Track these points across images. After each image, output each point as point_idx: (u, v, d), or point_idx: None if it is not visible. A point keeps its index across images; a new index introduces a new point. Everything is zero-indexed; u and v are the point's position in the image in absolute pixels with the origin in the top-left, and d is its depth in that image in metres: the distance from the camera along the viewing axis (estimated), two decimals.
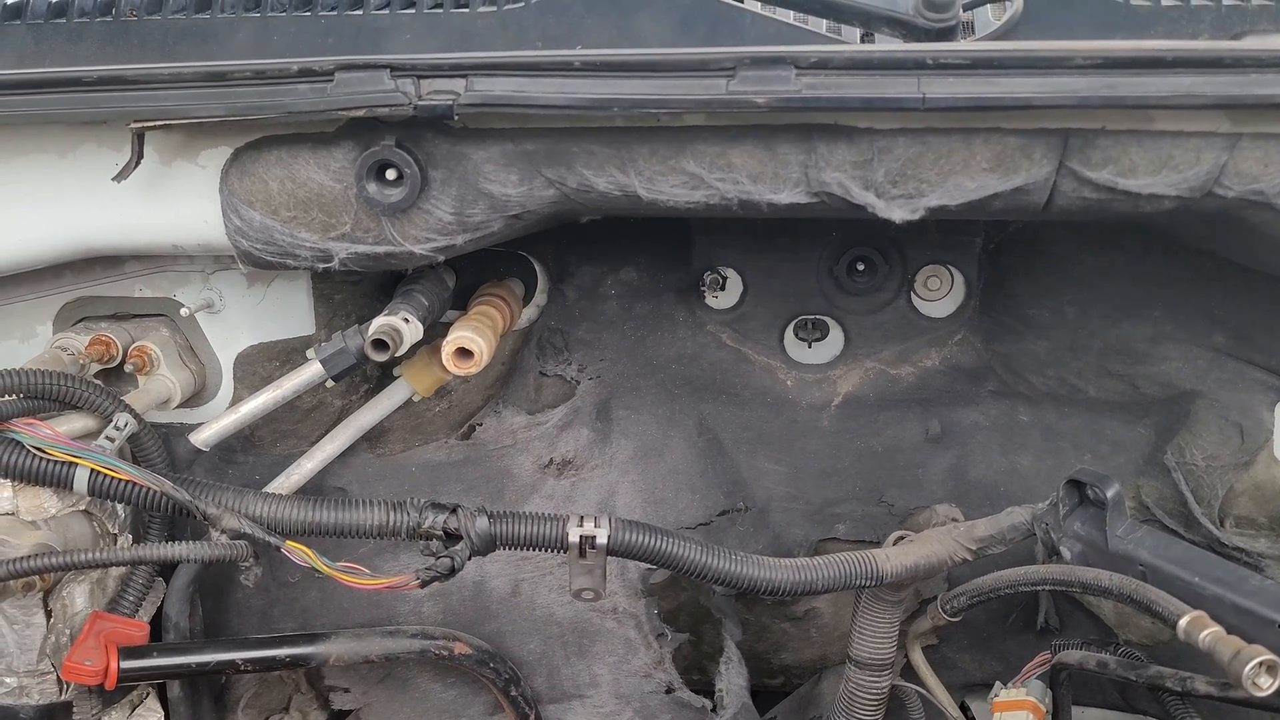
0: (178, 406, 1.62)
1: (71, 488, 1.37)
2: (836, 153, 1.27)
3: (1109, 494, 1.47)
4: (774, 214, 1.34)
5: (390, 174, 1.32)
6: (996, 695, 1.68)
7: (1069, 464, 1.71)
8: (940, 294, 1.80)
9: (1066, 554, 1.52)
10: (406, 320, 1.48)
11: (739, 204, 1.32)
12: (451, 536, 1.44)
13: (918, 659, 1.80)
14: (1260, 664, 1.20)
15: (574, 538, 1.43)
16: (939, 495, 1.81)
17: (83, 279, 1.61)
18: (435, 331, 1.60)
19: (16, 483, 1.40)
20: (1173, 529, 1.66)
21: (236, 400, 1.63)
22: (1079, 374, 1.74)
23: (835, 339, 1.84)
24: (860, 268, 1.79)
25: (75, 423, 1.44)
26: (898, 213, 1.29)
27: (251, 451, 1.70)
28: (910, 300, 1.81)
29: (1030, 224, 1.71)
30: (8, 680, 1.48)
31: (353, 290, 1.65)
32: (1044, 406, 1.78)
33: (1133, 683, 1.55)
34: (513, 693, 1.72)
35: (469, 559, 1.43)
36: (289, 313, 1.63)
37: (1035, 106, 1.19)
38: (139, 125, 1.28)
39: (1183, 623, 1.29)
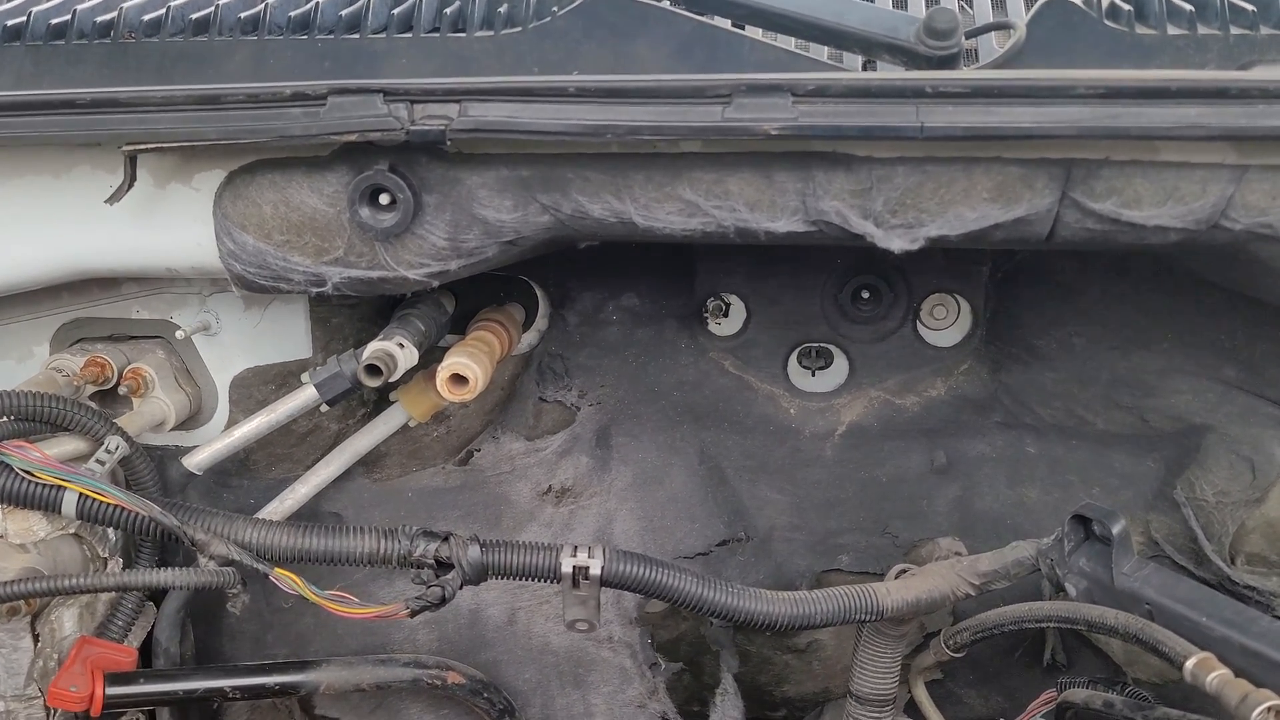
0: (173, 429, 1.61)
1: (60, 511, 1.36)
2: (835, 181, 1.25)
3: (1115, 530, 1.44)
4: (771, 242, 1.32)
5: (384, 199, 1.31)
6: None
7: (1076, 497, 1.68)
8: (946, 323, 1.77)
9: (1072, 590, 1.49)
10: (401, 345, 1.46)
11: (736, 232, 1.30)
12: (443, 565, 1.41)
13: (920, 694, 1.76)
14: (1269, 709, 1.17)
15: (567, 568, 1.41)
16: (944, 527, 1.78)
17: (80, 300, 1.60)
18: (433, 356, 1.58)
19: (5, 505, 1.39)
20: (1182, 565, 1.63)
21: (232, 424, 1.62)
22: (1087, 406, 1.71)
23: (839, 367, 1.81)
24: (865, 295, 1.76)
25: (67, 445, 1.43)
26: (897, 243, 1.27)
27: (246, 475, 1.69)
28: (916, 329, 1.78)
29: (1038, 253, 1.68)
30: None
31: (350, 314, 1.64)
32: (1051, 438, 1.75)
33: None
34: None
35: (460, 588, 1.41)
36: (286, 336, 1.62)
37: (1037, 136, 1.17)
38: (131, 148, 1.27)
39: (1189, 664, 1.26)
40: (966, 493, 1.78)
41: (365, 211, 1.31)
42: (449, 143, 1.23)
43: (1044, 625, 1.57)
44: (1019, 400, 1.76)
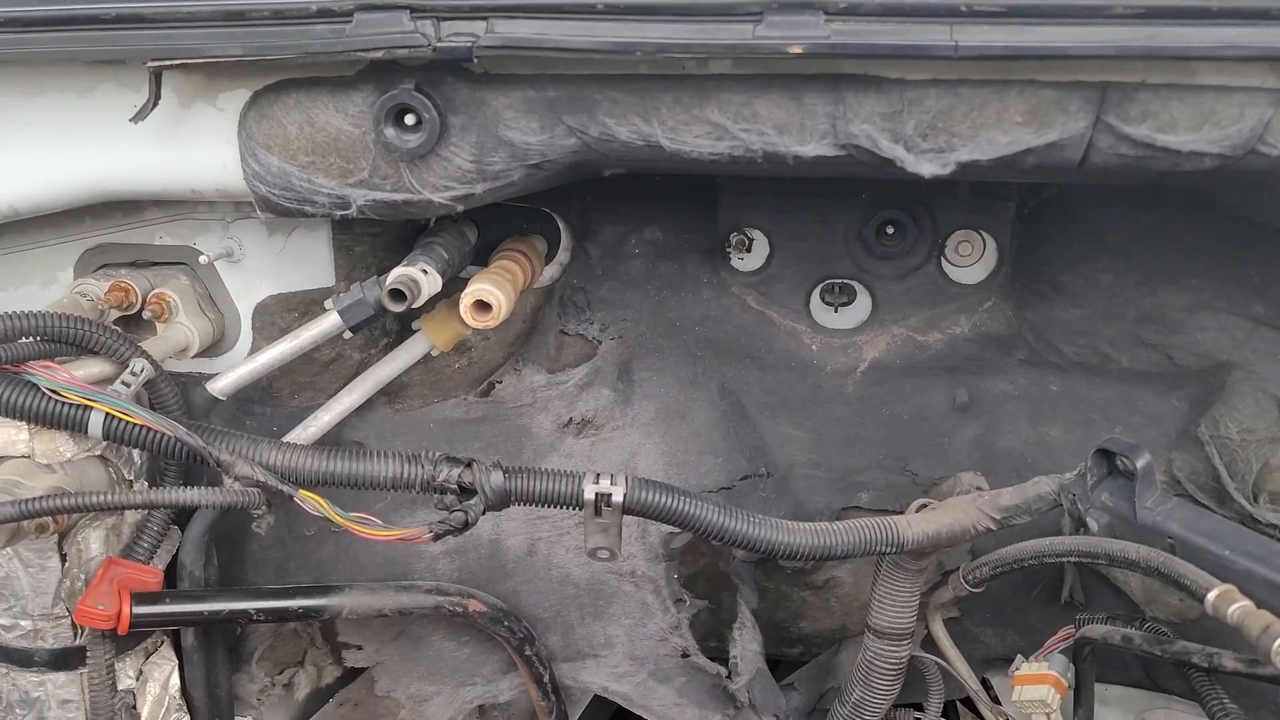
0: (196, 355, 1.62)
1: (86, 432, 1.36)
2: (865, 104, 1.24)
3: (1139, 464, 1.43)
4: (799, 167, 1.31)
5: (409, 119, 1.30)
6: (1018, 668, 1.65)
7: (1099, 435, 1.66)
8: (971, 259, 1.76)
9: (1093, 525, 1.49)
10: (425, 271, 1.46)
11: (764, 156, 1.29)
12: (466, 491, 1.42)
13: (938, 630, 1.77)
14: None
15: (589, 495, 1.41)
16: (964, 465, 1.77)
17: (103, 225, 1.60)
18: (456, 287, 1.58)
19: (32, 425, 1.40)
20: (1205, 504, 1.62)
21: (255, 350, 1.62)
22: (1112, 343, 1.70)
23: (862, 304, 1.80)
24: (890, 231, 1.75)
25: (92, 368, 1.43)
26: (927, 167, 1.26)
27: (269, 403, 1.69)
28: (940, 265, 1.77)
29: (1065, 188, 1.67)
30: (23, 623, 1.49)
31: (373, 242, 1.63)
32: (1075, 376, 1.74)
33: (1158, 658, 1.51)
34: (526, 652, 1.71)
35: (483, 513, 1.42)
36: (309, 264, 1.61)
37: (1072, 57, 1.15)
38: (156, 64, 1.26)
39: (1211, 596, 1.26)
40: (988, 431, 1.78)
41: (390, 132, 1.30)
42: (475, 60, 1.22)
43: (1064, 560, 1.57)
44: (1043, 338, 1.75)
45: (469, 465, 1.42)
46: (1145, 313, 1.66)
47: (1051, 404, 1.76)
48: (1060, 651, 1.65)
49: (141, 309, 1.57)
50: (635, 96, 1.28)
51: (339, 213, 1.38)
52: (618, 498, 1.41)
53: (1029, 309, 1.75)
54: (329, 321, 1.51)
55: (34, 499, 1.30)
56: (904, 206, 1.73)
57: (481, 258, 1.68)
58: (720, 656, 1.83)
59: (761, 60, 1.23)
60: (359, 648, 1.81)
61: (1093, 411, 1.73)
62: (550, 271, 1.75)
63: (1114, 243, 1.65)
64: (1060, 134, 1.22)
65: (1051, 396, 1.76)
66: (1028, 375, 1.77)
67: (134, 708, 1.56)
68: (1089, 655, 1.65)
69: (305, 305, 1.61)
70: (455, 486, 1.41)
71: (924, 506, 1.62)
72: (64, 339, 1.39)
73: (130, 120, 1.32)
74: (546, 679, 1.74)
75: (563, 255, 1.76)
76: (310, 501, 1.36)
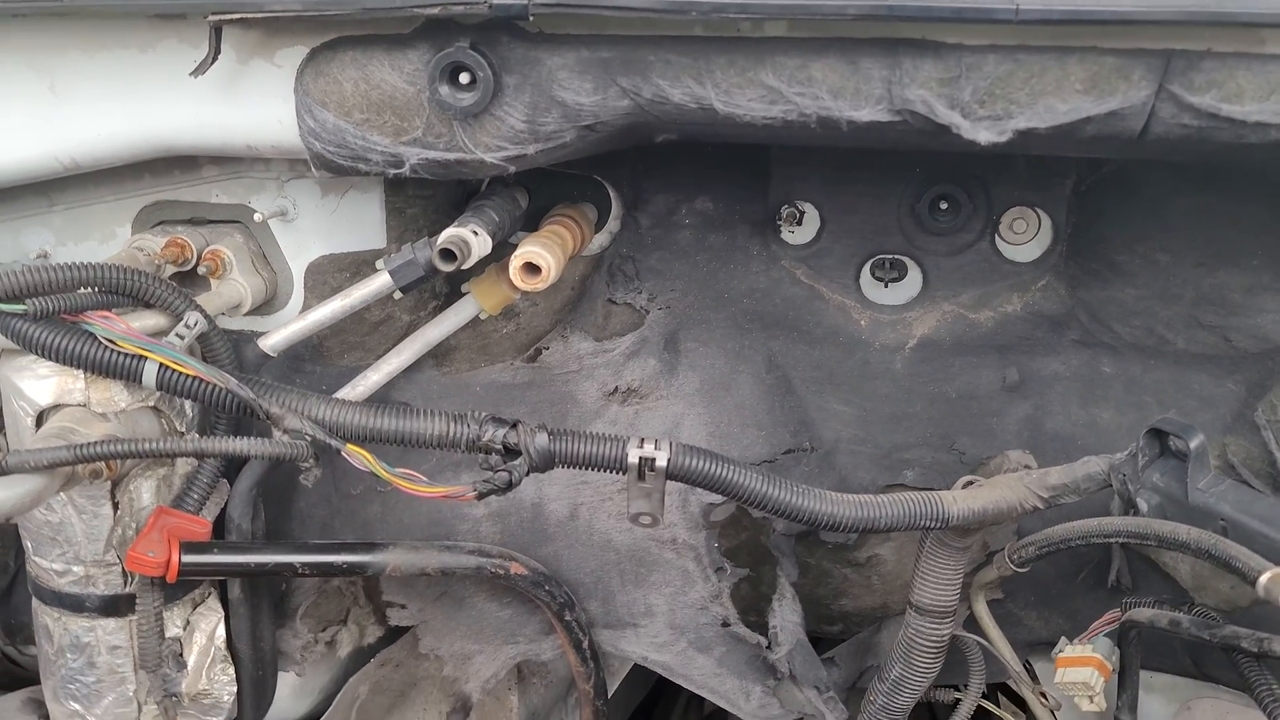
0: (248, 313, 1.63)
1: (140, 381, 1.39)
2: (922, 68, 1.23)
3: (1192, 444, 1.41)
4: (853, 134, 1.29)
5: (464, 78, 1.31)
6: (1061, 650, 1.64)
7: (1151, 418, 1.63)
8: (1026, 237, 1.74)
9: (1143, 506, 1.46)
10: (475, 233, 1.47)
11: (817, 121, 1.28)
12: (510, 452, 1.43)
13: (981, 610, 1.76)
14: None
15: (633, 459, 1.41)
16: (1013, 445, 1.76)
17: (161, 182, 1.63)
18: (505, 251, 1.58)
19: (89, 374, 1.42)
20: (1259, 490, 1.59)
21: (306, 309, 1.63)
22: (1168, 324, 1.67)
23: (913, 280, 1.79)
24: (943, 207, 1.73)
25: (148, 320, 1.45)
26: (983, 134, 1.24)
27: (319, 361, 1.71)
28: (994, 242, 1.75)
29: (1124, 165, 1.64)
30: (75, 569, 1.52)
31: (425, 205, 1.64)
32: (1129, 358, 1.71)
33: (1206, 643, 1.49)
34: (567, 617, 1.72)
35: (527, 474, 1.42)
36: (361, 225, 1.63)
37: (1136, 22, 1.13)
38: (216, 19, 1.28)
39: (1263, 579, 1.23)
40: (1037, 411, 1.76)
41: (445, 90, 1.31)
42: (531, 18, 1.22)
43: (1113, 541, 1.55)
44: (1097, 318, 1.72)
45: (514, 426, 1.43)
46: (1203, 294, 1.63)
47: (1104, 386, 1.73)
48: (1105, 635, 1.63)
49: (196, 265, 1.59)
50: (689, 58, 1.27)
51: (392, 171, 1.39)
52: (661, 462, 1.40)
53: (1083, 288, 1.72)
54: (380, 281, 1.52)
55: (89, 444, 1.32)
56: (958, 182, 1.71)
57: (532, 223, 1.69)
58: (761, 630, 1.83)
59: (818, 23, 1.22)
60: (403, 606, 1.82)
61: (1146, 394, 1.70)
62: (600, 239, 1.75)
63: (1173, 221, 1.62)
64: (1121, 103, 1.20)
65: (1104, 378, 1.73)
66: (1080, 356, 1.74)
67: (180, 655, 1.59)
68: (1135, 639, 1.63)
69: (356, 266, 1.63)
70: (500, 447, 1.42)
71: (970, 483, 1.60)
72: (121, 291, 1.41)
73: (190, 75, 1.33)
74: (585, 645, 1.75)
75: (613, 224, 1.76)
76: (357, 456, 1.37)
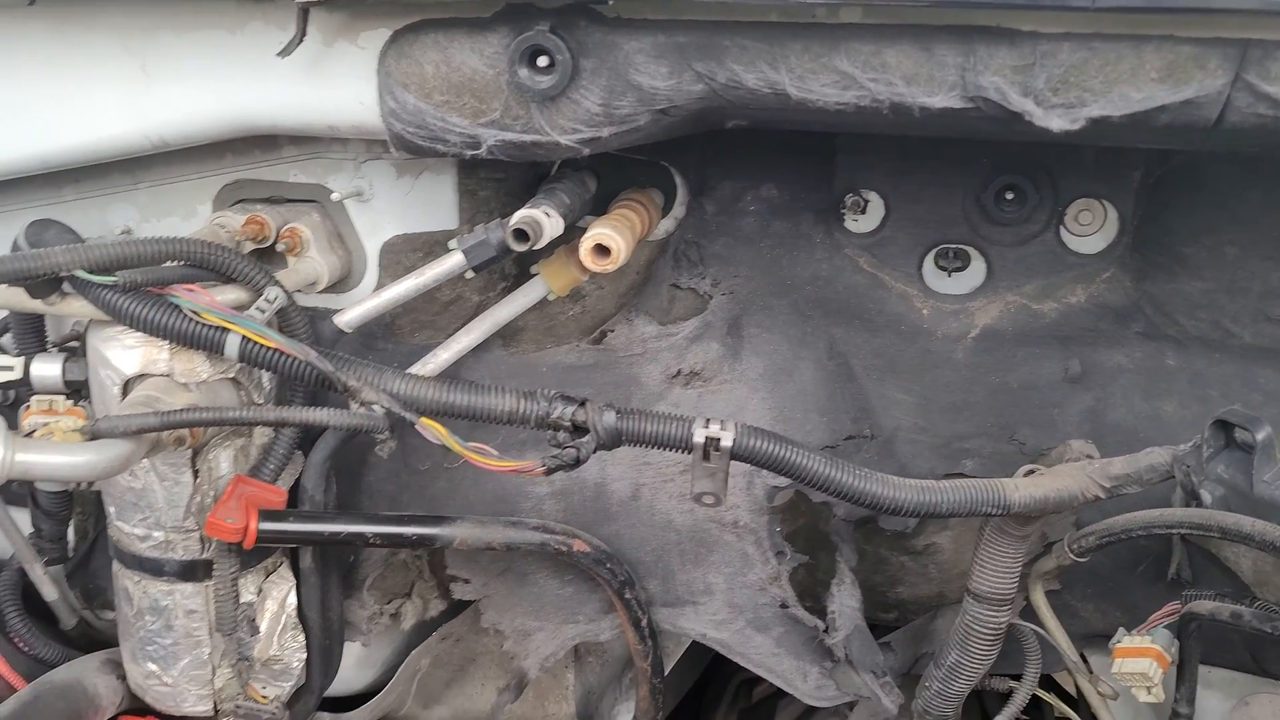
0: (323, 290, 1.68)
1: (223, 353, 1.43)
2: (996, 56, 1.24)
3: (1259, 436, 1.41)
4: (925, 121, 1.31)
5: (542, 61, 1.34)
6: (1120, 640, 1.63)
7: (1216, 412, 1.64)
8: (1092, 229, 1.73)
9: (1207, 498, 1.46)
10: (548, 214, 1.50)
11: (890, 107, 1.30)
12: (578, 430, 1.46)
13: (1039, 600, 1.76)
14: None
15: (699, 439, 1.44)
16: (1074, 437, 1.75)
17: (241, 161, 1.67)
18: (574, 234, 1.61)
19: (173, 345, 1.47)
20: None
21: (380, 287, 1.68)
22: (1234, 318, 1.66)
23: (977, 270, 1.79)
24: (1009, 197, 1.73)
25: (229, 295, 1.50)
26: (1056, 122, 1.25)
27: (391, 339, 1.75)
28: (1059, 234, 1.75)
29: (1194, 157, 1.64)
30: (156, 534, 1.57)
31: (497, 187, 1.67)
32: (1193, 351, 1.71)
33: (1268, 636, 1.49)
34: (627, 595, 1.75)
35: (594, 452, 1.45)
36: (434, 205, 1.66)
37: (1214, 11, 1.14)
38: (304, 1, 1.32)
39: None
40: (1100, 404, 1.76)
41: (524, 73, 1.34)
42: (610, 2, 1.25)
43: (1174, 532, 1.55)
44: (1162, 311, 1.72)
45: (583, 404, 1.46)
46: (1271, 287, 1.62)
47: (1168, 379, 1.73)
48: (1165, 627, 1.63)
49: (275, 242, 1.63)
50: (764, 43, 1.29)
51: (469, 152, 1.43)
52: (727, 442, 1.43)
53: (1149, 281, 1.72)
54: (452, 261, 1.55)
55: (173, 411, 1.37)
56: (1025, 172, 1.71)
57: (599, 208, 1.71)
58: (817, 614, 1.84)
59: (893, 9, 1.24)
60: (466, 581, 1.86)
61: (1210, 388, 1.70)
62: (665, 225, 1.78)
63: (1242, 214, 1.61)
64: (1197, 91, 1.20)
65: (1168, 371, 1.73)
66: (1144, 349, 1.74)
67: (254, 621, 1.64)
68: (1195, 632, 1.63)
69: (430, 246, 1.66)
70: (569, 424, 1.45)
71: (1032, 472, 1.61)
72: (204, 265, 1.46)
73: (277, 55, 1.38)
74: (644, 623, 1.78)
75: (678, 209, 1.79)
76: (431, 430, 1.41)
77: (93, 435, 1.35)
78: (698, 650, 1.94)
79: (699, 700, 2.81)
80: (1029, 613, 1.78)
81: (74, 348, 1.72)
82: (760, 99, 1.33)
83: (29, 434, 1.36)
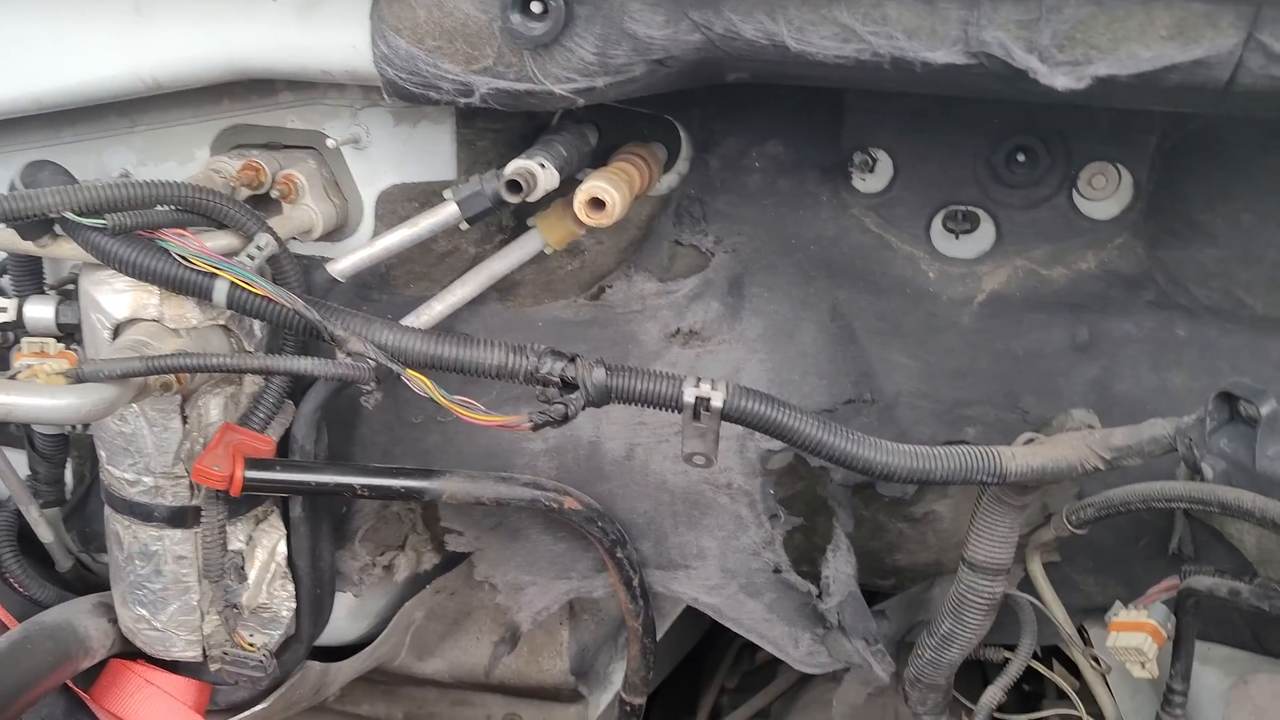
0: (318, 239, 1.66)
1: (211, 299, 1.42)
2: (1001, 9, 1.19)
3: (1264, 410, 1.36)
4: (927, 76, 1.27)
5: (535, 6, 1.30)
6: (1115, 614, 1.62)
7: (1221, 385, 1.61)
8: (1105, 194, 1.69)
9: (1209, 472, 1.42)
10: (542, 166, 1.47)
11: (891, 62, 1.26)
12: (568, 385, 1.44)
13: (1036, 571, 1.74)
14: None
15: (689, 398, 1.41)
16: (1079, 407, 1.71)
17: (239, 106, 1.65)
18: (573, 188, 1.58)
19: (162, 290, 1.46)
20: None
21: (375, 237, 1.65)
22: (1247, 287, 1.62)
23: (986, 233, 1.75)
24: (1021, 159, 1.69)
25: (221, 240, 1.48)
26: (1061, 80, 1.21)
27: (386, 290, 1.73)
28: (1071, 198, 1.70)
29: (1210, 123, 1.59)
30: (145, 480, 1.57)
31: (495, 138, 1.65)
32: (1204, 321, 1.67)
33: (1266, 614, 1.47)
34: (619, 554, 1.74)
35: (583, 408, 1.43)
36: (432, 155, 1.64)
37: None
38: None
39: None
40: (1106, 373, 1.72)
41: (516, 18, 1.31)
42: None
43: (1175, 506, 1.52)
44: (1174, 279, 1.68)
45: (572, 360, 1.44)
46: None
47: (1177, 349, 1.69)
48: (1162, 602, 1.61)
49: (270, 189, 1.62)
50: None
51: (462, 100, 1.40)
52: (717, 403, 1.41)
53: (1162, 248, 1.68)
54: (447, 211, 1.53)
55: (159, 356, 1.36)
56: (1038, 134, 1.66)
57: (601, 161, 1.68)
58: (812, 580, 1.83)
59: None
60: (460, 534, 1.86)
61: (1220, 359, 1.66)
62: (668, 180, 1.75)
63: (1260, 181, 1.57)
64: (1207, 51, 1.16)
65: (1178, 341, 1.69)
66: (1154, 318, 1.70)
67: (242, 569, 1.63)
68: (1193, 608, 1.60)
69: (426, 196, 1.64)
70: (558, 380, 1.43)
71: (1031, 440, 1.58)
72: (196, 210, 1.44)
73: None
74: (636, 583, 1.77)
75: (681, 164, 1.75)
76: (416, 381, 1.39)
77: (77, 378, 1.34)
78: (698, 611, 1.93)
79: (701, 662, 2.82)
80: (1027, 584, 1.76)
81: (70, 291, 1.71)
82: (758, 51, 1.29)
83: (13, 375, 1.35)
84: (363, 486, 1.60)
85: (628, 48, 1.32)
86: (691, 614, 2.11)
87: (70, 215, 1.37)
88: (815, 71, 1.31)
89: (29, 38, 1.53)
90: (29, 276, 1.70)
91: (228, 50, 1.46)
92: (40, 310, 1.64)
